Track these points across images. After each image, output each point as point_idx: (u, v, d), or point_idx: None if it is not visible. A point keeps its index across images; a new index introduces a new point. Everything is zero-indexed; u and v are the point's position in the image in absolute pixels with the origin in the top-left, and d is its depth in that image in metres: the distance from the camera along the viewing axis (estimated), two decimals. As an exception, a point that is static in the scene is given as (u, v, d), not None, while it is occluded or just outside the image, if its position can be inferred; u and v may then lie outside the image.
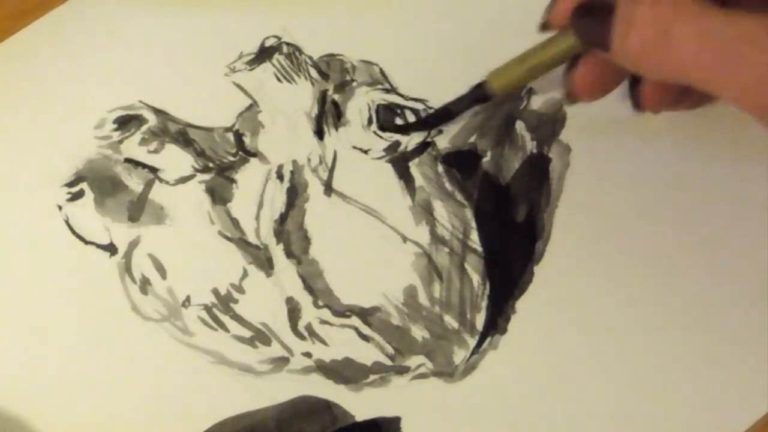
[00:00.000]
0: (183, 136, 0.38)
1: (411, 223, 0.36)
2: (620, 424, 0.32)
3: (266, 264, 0.35)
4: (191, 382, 0.34)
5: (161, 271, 0.36)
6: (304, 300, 0.35)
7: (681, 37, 0.26)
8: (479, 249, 0.35)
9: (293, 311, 0.35)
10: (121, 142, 0.38)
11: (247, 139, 0.38)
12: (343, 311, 0.35)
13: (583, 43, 0.31)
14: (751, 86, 0.25)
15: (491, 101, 0.36)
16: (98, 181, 0.37)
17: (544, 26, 0.32)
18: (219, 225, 0.36)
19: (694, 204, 0.35)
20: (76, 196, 0.37)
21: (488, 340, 0.34)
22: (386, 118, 0.38)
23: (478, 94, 0.36)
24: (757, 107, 0.26)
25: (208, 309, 0.35)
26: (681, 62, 0.26)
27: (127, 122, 0.38)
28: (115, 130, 0.38)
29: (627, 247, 0.35)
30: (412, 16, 0.40)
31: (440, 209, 0.36)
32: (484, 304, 0.35)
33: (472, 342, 0.34)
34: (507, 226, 0.36)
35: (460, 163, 0.37)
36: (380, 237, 0.36)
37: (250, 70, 0.39)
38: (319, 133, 0.38)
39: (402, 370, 0.34)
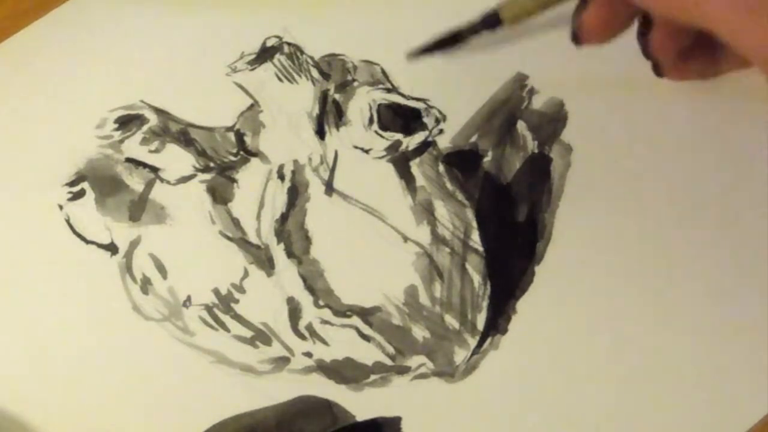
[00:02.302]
0: (184, 135, 0.38)
1: (412, 223, 0.36)
2: (620, 424, 0.32)
3: (267, 264, 0.35)
4: (191, 382, 0.34)
5: (162, 270, 0.36)
6: (305, 300, 0.35)
7: None
8: (480, 249, 0.35)
9: (294, 311, 0.35)
10: (122, 141, 0.38)
11: (248, 139, 0.38)
12: (343, 311, 0.35)
13: None
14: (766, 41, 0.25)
15: (500, 29, 0.35)
16: (99, 181, 0.37)
17: None
18: (220, 225, 0.36)
19: (695, 204, 0.35)
20: (77, 196, 0.37)
21: (489, 340, 0.34)
22: (387, 117, 0.38)
23: (489, 20, 0.35)
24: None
25: (208, 309, 0.35)
26: (702, 4, 0.26)
27: (128, 122, 0.38)
28: (116, 129, 0.38)
29: (628, 247, 0.35)
30: (412, 16, 0.40)
31: (441, 209, 0.36)
32: (484, 304, 0.35)
33: (472, 342, 0.34)
34: (508, 226, 0.36)
35: (461, 163, 0.37)
36: (381, 237, 0.36)
37: (252, 70, 0.39)
38: (320, 133, 0.38)
39: (403, 370, 0.34)
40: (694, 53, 0.34)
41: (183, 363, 0.34)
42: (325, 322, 0.35)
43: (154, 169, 0.37)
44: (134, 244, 0.36)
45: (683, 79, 0.36)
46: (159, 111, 0.38)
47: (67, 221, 0.37)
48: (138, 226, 0.36)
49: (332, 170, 0.37)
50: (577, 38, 0.33)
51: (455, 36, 0.36)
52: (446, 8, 0.40)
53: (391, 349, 0.34)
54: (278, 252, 0.36)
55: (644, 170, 0.36)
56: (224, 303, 0.35)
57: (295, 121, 0.38)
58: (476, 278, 0.35)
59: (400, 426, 0.33)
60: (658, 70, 0.35)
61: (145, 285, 0.35)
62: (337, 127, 0.38)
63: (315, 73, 0.39)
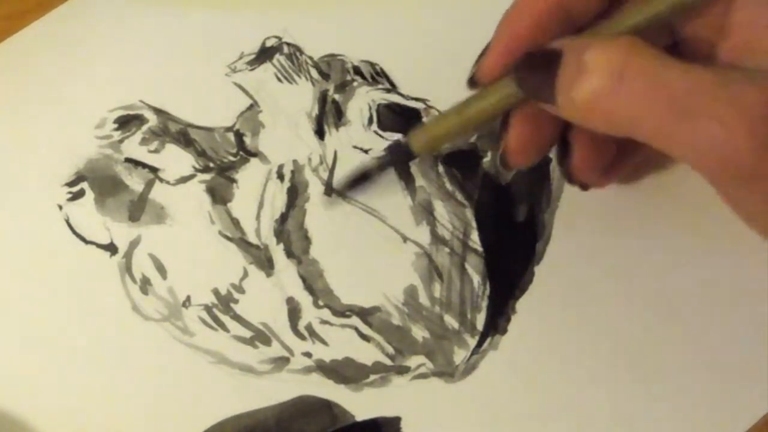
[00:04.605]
0: (184, 135, 0.38)
1: (411, 223, 0.36)
2: (620, 424, 0.32)
3: (266, 264, 0.35)
4: (191, 382, 0.34)
5: (161, 270, 0.36)
6: (305, 300, 0.35)
7: (633, 87, 0.24)
8: (480, 249, 0.36)
9: (293, 311, 0.35)
10: (121, 141, 0.38)
11: (247, 139, 0.38)
12: (343, 311, 0.35)
13: (528, 94, 0.28)
14: (705, 144, 0.23)
15: (414, 161, 0.33)
16: (99, 181, 0.37)
17: (472, 82, 0.30)
18: (219, 225, 0.36)
19: (695, 203, 0.35)
20: (77, 196, 0.37)
21: (488, 340, 0.34)
22: (387, 117, 0.38)
23: (398, 155, 0.32)
24: (707, 167, 0.24)
25: (208, 309, 0.35)
26: (633, 112, 0.24)
27: (127, 122, 0.38)
28: (116, 129, 0.38)
29: (627, 246, 0.35)
30: (412, 16, 0.40)
31: (441, 209, 0.36)
32: (484, 304, 0.35)
33: (472, 342, 0.34)
34: (507, 226, 0.36)
35: (461, 163, 0.37)
36: (381, 237, 0.36)
37: (251, 70, 0.39)
38: (320, 133, 0.38)
39: (402, 370, 0.34)
40: (615, 167, 0.33)
41: (182, 363, 0.34)
42: (324, 322, 0.35)
43: (154, 169, 0.37)
44: (134, 244, 0.36)
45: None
46: (158, 111, 0.38)
47: (67, 221, 0.37)
48: (137, 226, 0.36)
49: (332, 170, 0.37)
50: (505, 163, 0.31)
51: (365, 174, 0.33)
52: (446, 8, 0.40)
53: (390, 349, 0.34)
54: (278, 252, 0.36)
55: (645, 170, 0.36)
56: (224, 303, 0.35)
57: (294, 121, 0.38)
58: (476, 278, 0.35)
59: (400, 426, 0.33)
60: (583, 187, 0.34)
61: (145, 285, 0.35)
62: (337, 127, 0.38)
63: (314, 74, 0.39)
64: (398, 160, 0.33)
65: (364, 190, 0.34)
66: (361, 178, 0.33)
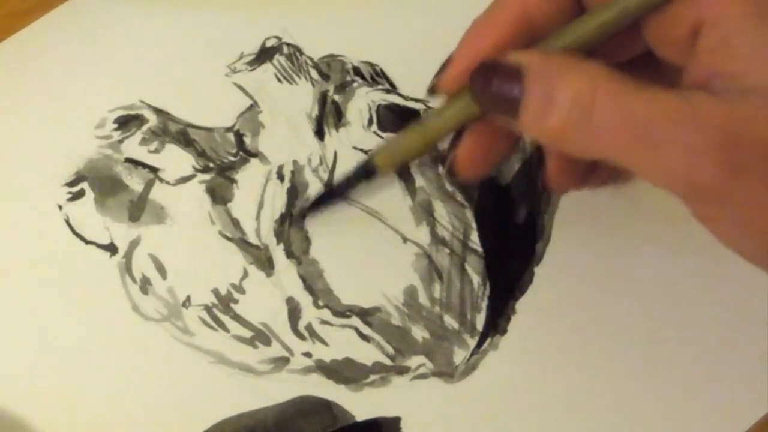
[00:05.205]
0: (183, 136, 0.38)
1: (411, 224, 0.36)
2: (620, 424, 0.32)
3: (267, 264, 0.35)
4: (191, 382, 0.34)
5: (161, 271, 0.36)
6: (305, 300, 0.35)
7: (602, 115, 0.24)
8: (479, 250, 0.36)
9: (293, 311, 0.35)
10: (121, 141, 0.38)
11: (247, 140, 0.38)
12: (343, 311, 0.35)
13: (485, 108, 0.28)
14: (672, 168, 0.24)
15: (380, 178, 0.33)
16: (99, 181, 0.37)
17: (432, 90, 0.29)
18: (219, 225, 0.36)
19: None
20: (77, 196, 0.37)
21: (488, 340, 0.34)
22: (386, 118, 0.38)
23: (364, 172, 0.32)
24: (676, 191, 0.25)
25: (208, 309, 0.35)
26: (602, 140, 0.25)
27: (127, 122, 0.38)
28: (116, 129, 0.38)
29: (627, 247, 0.35)
30: (412, 17, 0.40)
31: (441, 210, 0.36)
32: (484, 304, 0.35)
33: (472, 342, 0.34)
34: (507, 227, 0.36)
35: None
36: (381, 237, 0.36)
37: (251, 70, 0.39)
38: (320, 134, 0.38)
39: (402, 370, 0.34)
40: (592, 172, 0.32)
41: (182, 363, 0.34)
42: (324, 322, 0.35)
43: (154, 170, 0.37)
44: (134, 245, 0.36)
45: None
46: (158, 111, 0.38)
47: (67, 221, 0.37)
48: (137, 227, 0.36)
49: (332, 171, 0.37)
50: (452, 175, 0.31)
51: (332, 192, 0.35)
52: (446, 9, 0.40)
53: (390, 350, 0.34)
54: (278, 252, 0.36)
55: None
56: (224, 303, 0.35)
57: (294, 121, 0.38)
58: (475, 279, 0.35)
59: (400, 426, 0.33)
60: (558, 193, 0.34)
61: (145, 285, 0.35)
62: (337, 127, 0.38)
63: (314, 74, 0.39)
64: (363, 178, 0.33)
65: (330, 210, 0.35)
66: (329, 196, 0.35)
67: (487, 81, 0.27)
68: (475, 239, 0.36)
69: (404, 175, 0.37)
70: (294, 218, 0.36)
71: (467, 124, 0.29)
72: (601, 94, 0.24)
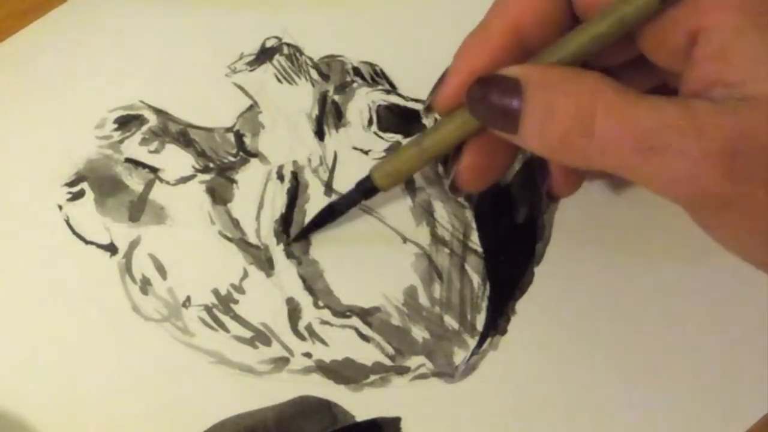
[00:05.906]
0: (183, 136, 0.38)
1: (411, 224, 0.36)
2: (620, 424, 0.32)
3: (266, 264, 0.35)
4: (191, 382, 0.34)
5: (161, 271, 0.36)
6: (305, 300, 0.35)
7: (604, 126, 0.24)
8: (479, 250, 0.36)
9: (293, 311, 0.35)
10: (121, 142, 0.38)
11: (247, 140, 0.38)
12: (343, 311, 0.35)
13: (484, 122, 0.28)
14: (676, 177, 0.24)
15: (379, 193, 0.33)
16: (99, 181, 0.37)
17: (429, 109, 0.30)
18: (219, 225, 0.36)
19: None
20: (77, 196, 0.37)
21: (488, 340, 0.34)
22: (386, 118, 0.38)
23: (363, 190, 0.33)
24: (678, 199, 0.25)
25: (208, 309, 0.35)
26: (604, 151, 0.25)
27: (127, 122, 0.38)
28: (116, 130, 0.38)
29: (627, 247, 0.35)
30: (412, 17, 0.40)
31: (441, 210, 0.36)
32: (484, 304, 0.35)
33: (472, 342, 0.34)
34: (507, 227, 0.36)
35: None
36: (380, 237, 0.36)
37: (251, 70, 0.39)
38: (320, 134, 0.38)
39: (402, 371, 0.34)
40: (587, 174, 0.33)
41: (183, 363, 0.34)
42: (324, 322, 0.35)
43: (154, 170, 0.37)
44: (134, 245, 0.36)
45: None
46: (158, 111, 0.38)
47: (67, 221, 0.37)
48: (137, 227, 0.36)
49: (332, 171, 0.37)
50: (454, 189, 0.31)
51: (332, 210, 0.35)
52: (447, 9, 0.40)
53: (390, 350, 0.34)
54: (278, 252, 0.36)
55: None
56: (224, 303, 0.35)
57: (294, 122, 0.38)
58: (475, 279, 0.35)
59: (400, 426, 0.33)
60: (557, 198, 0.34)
61: (145, 285, 0.35)
62: (337, 128, 0.38)
63: (314, 75, 0.39)
64: (363, 196, 0.34)
65: (328, 228, 0.35)
66: (329, 214, 0.35)
67: (486, 94, 0.27)
68: (475, 239, 0.36)
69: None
70: (295, 238, 0.36)
71: (466, 139, 0.30)
72: (602, 105, 0.24)
